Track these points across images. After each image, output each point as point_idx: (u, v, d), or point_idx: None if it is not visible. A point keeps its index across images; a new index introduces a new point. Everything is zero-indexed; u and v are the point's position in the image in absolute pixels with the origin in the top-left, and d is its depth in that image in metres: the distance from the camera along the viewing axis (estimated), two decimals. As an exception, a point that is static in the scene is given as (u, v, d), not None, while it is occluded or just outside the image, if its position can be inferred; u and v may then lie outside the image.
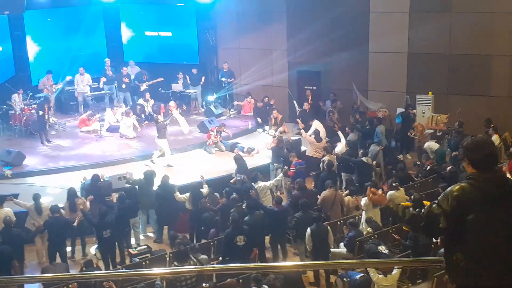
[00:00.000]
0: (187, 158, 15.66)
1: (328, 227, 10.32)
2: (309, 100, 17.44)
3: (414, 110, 16.36)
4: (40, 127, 16.33)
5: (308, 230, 10.04)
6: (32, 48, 19.21)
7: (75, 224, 11.01)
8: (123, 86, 18.54)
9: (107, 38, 20.43)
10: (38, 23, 19.28)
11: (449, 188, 3.56)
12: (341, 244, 10.42)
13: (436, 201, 3.57)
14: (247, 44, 19.10)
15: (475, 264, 3.47)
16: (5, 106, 16.97)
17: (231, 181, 12.76)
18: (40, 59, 19.25)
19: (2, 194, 12.69)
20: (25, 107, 16.91)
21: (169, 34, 20.18)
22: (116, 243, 11.06)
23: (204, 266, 8.44)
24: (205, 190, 11.87)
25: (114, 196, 11.65)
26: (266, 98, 17.87)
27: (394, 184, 11.42)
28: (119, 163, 14.91)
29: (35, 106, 16.82)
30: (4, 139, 16.70)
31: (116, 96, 18.85)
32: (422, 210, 3.61)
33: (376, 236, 9.93)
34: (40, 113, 16.09)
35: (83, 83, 18.58)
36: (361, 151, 13.52)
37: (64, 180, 14.04)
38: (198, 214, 11.57)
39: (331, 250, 10.28)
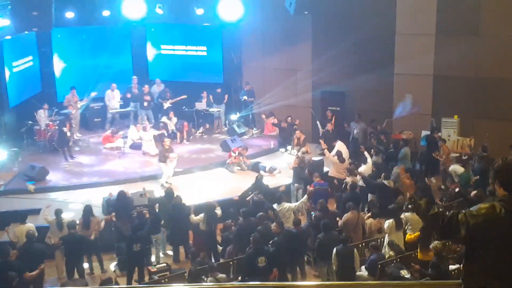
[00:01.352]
0: (208, 177, 15.64)
1: (355, 249, 10.16)
2: (332, 121, 17.35)
3: (440, 133, 16.16)
4: (62, 143, 16.49)
5: (334, 250, 9.90)
6: (58, 65, 19.52)
7: (92, 237, 11.05)
8: (145, 104, 18.68)
9: (133, 56, 20.66)
10: (66, 41, 19.59)
11: (480, 204, 3.53)
12: (363, 268, 10.24)
13: (464, 211, 3.53)
14: (272, 64, 19.14)
15: (491, 278, 3.45)
16: (30, 122, 17.18)
17: (247, 198, 12.66)
18: (66, 76, 19.53)
19: (24, 209, 12.90)
20: (50, 123, 17.11)
21: (195, 53, 20.31)
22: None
23: (223, 283, 8.35)
24: (219, 212, 11.82)
25: (146, 212, 11.66)
26: (289, 118, 17.83)
27: (410, 206, 11.19)
28: (141, 180, 14.93)
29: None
30: (28, 154, 16.89)
31: (140, 114, 18.99)
32: (447, 213, 3.58)
33: (398, 260, 9.74)
34: (64, 129, 16.26)
35: (114, 99, 18.80)
36: (384, 173, 13.34)
37: (86, 196, 14.13)
38: (213, 235, 11.53)
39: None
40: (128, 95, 18.83)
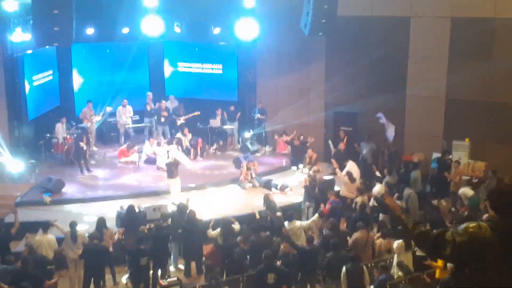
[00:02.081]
0: (221, 193, 15.85)
1: (364, 267, 10.26)
2: (344, 141, 17.53)
3: (451, 156, 16.25)
4: (79, 156, 16.83)
5: (344, 268, 10.01)
6: (77, 80, 19.93)
7: (110, 249, 11.25)
8: (162, 119, 18.99)
9: (150, 72, 21.04)
10: (85, 56, 20.02)
11: (467, 223, 3.64)
12: (371, 287, 10.34)
13: (451, 229, 3.66)
14: (285, 83, 19.39)
15: None
16: (48, 135, 17.53)
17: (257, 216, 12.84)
18: (84, 90, 19.94)
19: (41, 220, 13.12)
20: (67, 136, 17.45)
21: (211, 71, 20.65)
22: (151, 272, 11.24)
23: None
24: (237, 227, 12.00)
25: (144, 228, 11.82)
26: (302, 137, 18.02)
27: (399, 227, 11.29)
28: (155, 195, 15.18)
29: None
30: (46, 166, 17.21)
31: (155, 129, 19.29)
32: (434, 230, 3.71)
33: (407, 281, 9.83)
34: (81, 144, 16.59)
35: (125, 115, 19.13)
36: (396, 194, 13.47)
37: (100, 209, 14.38)
38: (229, 250, 11.66)
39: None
40: (148, 108, 19.12)
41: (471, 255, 3.56)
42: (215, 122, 19.28)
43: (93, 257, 10.94)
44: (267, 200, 13.47)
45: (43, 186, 15.33)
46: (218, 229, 11.86)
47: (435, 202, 15.16)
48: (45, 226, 11.69)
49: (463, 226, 3.64)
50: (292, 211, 12.80)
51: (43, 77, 18.70)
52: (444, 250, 3.57)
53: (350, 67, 17.78)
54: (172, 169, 14.85)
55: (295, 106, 18.94)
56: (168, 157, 15.43)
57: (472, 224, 3.61)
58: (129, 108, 19.32)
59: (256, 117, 19.39)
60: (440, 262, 9.99)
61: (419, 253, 11.14)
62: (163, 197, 14.87)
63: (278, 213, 12.65)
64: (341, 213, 13.31)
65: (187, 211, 12.41)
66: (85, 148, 16.88)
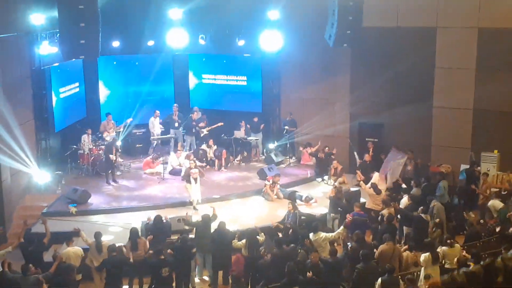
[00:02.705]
0: (245, 204, 15.81)
1: (400, 280, 10.08)
2: (370, 152, 17.37)
3: (479, 168, 16.00)
4: (107, 167, 16.98)
5: (379, 280, 9.85)
6: (103, 92, 20.13)
7: (131, 260, 11.25)
8: (193, 130, 19.06)
9: (175, 84, 21.17)
10: (111, 68, 20.22)
11: None
12: (398, 300, 10.16)
13: (500, 256, 3.56)
14: (310, 94, 19.33)
15: None
16: (74, 146, 17.71)
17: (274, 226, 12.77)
18: (110, 102, 20.13)
19: (67, 231, 13.23)
20: (93, 147, 17.61)
21: (235, 82, 20.70)
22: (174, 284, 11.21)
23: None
24: (261, 238, 11.93)
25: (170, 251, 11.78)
26: (327, 148, 17.91)
27: (448, 241, 11.14)
28: (179, 206, 15.20)
29: (103, 147, 17.51)
30: (71, 177, 17.38)
31: (184, 140, 19.35)
32: (482, 262, 3.62)
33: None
34: (111, 156, 16.74)
35: (158, 125, 19.27)
36: (422, 207, 13.26)
37: (125, 219, 14.44)
38: (254, 261, 11.59)
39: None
40: (176, 124, 19.20)
41: None
42: (239, 133, 19.28)
43: (112, 269, 10.94)
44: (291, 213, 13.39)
45: (69, 197, 15.46)
46: (244, 240, 11.79)
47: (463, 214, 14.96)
48: (69, 237, 11.75)
49: None
50: (317, 223, 12.67)
51: (70, 89, 18.91)
52: (497, 277, 3.49)
53: (376, 78, 17.67)
54: (188, 172, 15.03)
55: (320, 117, 18.85)
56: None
57: None
58: (158, 120, 19.48)
59: (285, 129, 19.33)
60: None
61: (447, 266, 10.95)
62: (188, 208, 14.86)
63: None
64: (367, 225, 13.15)
65: (218, 222, 12.35)
66: (114, 159, 17.01)
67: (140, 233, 12.89)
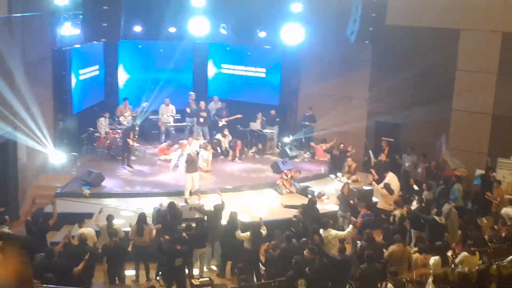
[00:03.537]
0: (257, 196, 15.82)
1: (406, 283, 10.02)
2: (386, 151, 17.28)
3: (495, 173, 15.85)
4: (123, 151, 17.08)
5: (390, 286, 9.81)
6: (122, 76, 20.19)
7: (129, 249, 11.32)
8: (201, 120, 19.07)
9: (194, 72, 21.18)
10: (131, 53, 20.28)
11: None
12: (405, 302, 10.13)
13: (495, 263, 3.53)
14: (328, 90, 19.24)
15: None
16: (91, 129, 17.81)
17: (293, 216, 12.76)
18: (128, 87, 20.19)
19: (79, 212, 13.35)
20: (110, 131, 17.71)
21: (254, 74, 20.66)
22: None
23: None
24: (264, 232, 11.92)
25: (186, 235, 11.82)
26: (342, 145, 17.86)
27: (472, 248, 11.01)
28: (192, 194, 15.22)
29: (119, 131, 17.59)
30: (87, 159, 17.50)
31: (195, 129, 19.39)
32: (477, 267, 3.60)
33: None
34: (129, 140, 16.83)
35: (167, 113, 19.30)
36: (435, 209, 13.18)
37: (137, 204, 14.52)
38: (256, 254, 11.62)
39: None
40: (188, 110, 19.25)
41: None
42: (255, 125, 19.27)
43: (111, 254, 11.05)
44: (312, 204, 13.36)
45: (83, 179, 15.57)
46: (248, 233, 11.80)
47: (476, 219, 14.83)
48: (81, 219, 11.87)
49: (509, 258, 3.52)
50: (328, 219, 12.64)
51: (90, 72, 19.00)
52: (490, 284, 3.46)
53: (396, 77, 17.54)
54: (191, 164, 14.97)
55: (337, 114, 18.76)
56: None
57: None
58: (171, 107, 19.49)
59: (305, 124, 19.27)
60: None
61: (459, 270, 10.86)
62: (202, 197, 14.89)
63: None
64: (376, 224, 13.10)
65: (229, 212, 12.39)
66: (131, 144, 17.08)
67: (152, 219, 13.00)
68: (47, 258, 9.91)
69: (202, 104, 19.34)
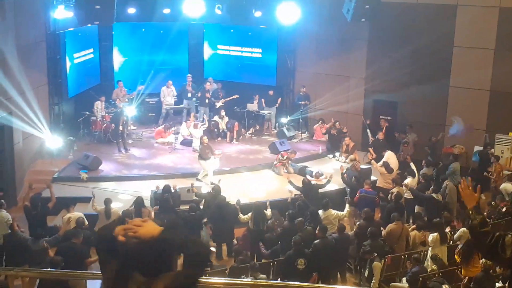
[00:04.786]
0: (255, 177, 15.79)
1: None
2: (383, 130, 17.23)
3: (493, 150, 15.82)
4: (116, 136, 16.98)
5: (378, 263, 9.84)
6: (117, 59, 20.02)
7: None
8: (206, 101, 18.98)
9: (189, 54, 21.02)
10: (126, 35, 20.09)
11: None
12: (403, 279, 10.16)
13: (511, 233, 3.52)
14: (325, 69, 19.13)
15: None
16: (87, 112, 17.72)
17: (288, 199, 12.73)
18: (124, 70, 20.03)
19: (77, 196, 13.33)
20: (106, 114, 17.62)
21: (250, 54, 20.51)
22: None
23: (258, 280, 8.44)
24: (268, 212, 11.92)
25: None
26: (338, 123, 17.80)
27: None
28: (189, 176, 15.20)
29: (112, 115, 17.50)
30: (84, 144, 17.44)
31: (197, 110, 19.29)
32: (497, 233, 3.58)
33: (440, 274, 9.62)
34: (113, 126, 16.70)
35: (169, 95, 19.20)
36: (432, 187, 13.18)
37: (135, 187, 14.50)
38: (259, 234, 11.61)
39: (392, 284, 10.05)
40: (189, 94, 19.11)
41: None
42: (252, 106, 19.18)
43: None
44: (308, 185, 13.32)
45: (80, 163, 15.53)
46: (249, 214, 11.80)
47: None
48: (68, 204, 11.87)
49: None
50: (328, 200, 12.61)
51: (84, 55, 18.84)
52: (504, 253, 3.44)
53: (393, 55, 17.42)
54: (205, 150, 14.87)
55: (334, 93, 18.66)
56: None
57: None
58: (172, 89, 19.38)
59: (301, 103, 19.19)
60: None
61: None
62: (198, 179, 14.88)
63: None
64: (376, 203, 13.10)
65: (223, 196, 12.37)
66: (121, 129, 16.99)
67: (149, 202, 13.00)
68: (54, 241, 9.91)
69: (208, 85, 19.21)
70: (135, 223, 2.23)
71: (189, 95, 19.20)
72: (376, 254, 10.11)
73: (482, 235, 3.66)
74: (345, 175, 13.84)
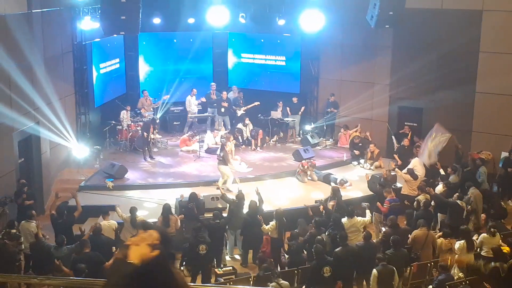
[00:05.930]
0: (279, 185, 15.79)
1: (394, 269, 9.91)
2: (409, 136, 17.09)
3: (520, 156, 15.57)
4: (142, 144, 17.14)
5: (375, 271, 9.75)
6: (143, 69, 20.25)
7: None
8: (222, 110, 19.08)
9: (214, 63, 21.16)
10: (151, 45, 20.32)
11: None
12: (430, 287, 10.04)
13: None
14: (349, 76, 19.07)
15: None
16: (113, 122, 17.93)
17: (320, 208, 12.66)
18: (149, 79, 20.27)
19: (103, 205, 13.46)
20: (132, 123, 17.81)
21: (274, 62, 20.57)
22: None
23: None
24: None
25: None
26: (358, 127, 17.80)
27: (492, 230, 10.90)
28: (214, 185, 15.25)
29: (141, 123, 17.68)
30: (110, 152, 17.64)
31: (217, 119, 19.41)
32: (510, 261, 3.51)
33: (467, 282, 9.49)
34: (145, 134, 16.89)
35: (194, 104, 19.35)
36: (457, 194, 13.02)
37: (160, 195, 14.60)
38: (282, 242, 11.60)
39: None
40: (203, 99, 19.25)
41: None
42: (276, 114, 19.20)
43: None
44: (337, 193, 13.26)
45: (106, 172, 15.70)
46: (273, 222, 11.77)
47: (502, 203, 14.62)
48: (105, 211, 11.96)
49: None
50: (353, 207, 12.53)
51: (110, 65, 19.11)
52: None
53: (417, 61, 17.27)
54: (227, 157, 15.02)
55: (359, 100, 18.58)
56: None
57: None
58: (194, 98, 19.52)
59: (329, 111, 19.15)
60: None
61: (484, 253, 10.74)
62: (222, 187, 14.91)
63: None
64: (401, 210, 12.98)
65: (249, 202, 12.39)
66: (152, 137, 17.15)
67: (174, 210, 13.07)
68: (79, 249, 10.02)
69: (224, 94, 19.32)
70: (132, 241, 2.24)
71: (215, 104, 19.29)
72: (384, 262, 9.91)
73: (492, 274, 3.57)
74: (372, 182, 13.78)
